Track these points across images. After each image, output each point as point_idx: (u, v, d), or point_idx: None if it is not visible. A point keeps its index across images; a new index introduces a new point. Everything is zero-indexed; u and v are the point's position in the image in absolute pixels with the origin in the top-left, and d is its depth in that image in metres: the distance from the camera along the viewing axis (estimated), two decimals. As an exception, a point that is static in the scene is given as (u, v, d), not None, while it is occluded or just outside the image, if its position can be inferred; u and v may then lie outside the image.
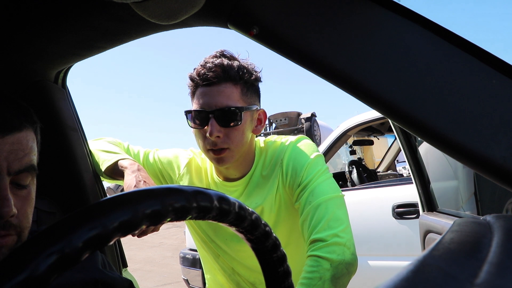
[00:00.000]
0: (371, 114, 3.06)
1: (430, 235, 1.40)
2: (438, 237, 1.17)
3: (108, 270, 0.73)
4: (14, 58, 0.90)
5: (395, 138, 4.23)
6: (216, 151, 0.95)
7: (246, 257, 1.05)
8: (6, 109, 0.57)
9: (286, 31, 0.56)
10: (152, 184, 0.93)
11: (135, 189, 0.40)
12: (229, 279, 1.12)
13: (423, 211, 1.59)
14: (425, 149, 1.62)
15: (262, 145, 1.07)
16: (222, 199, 0.43)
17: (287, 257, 0.54)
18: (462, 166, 1.49)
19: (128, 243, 6.79)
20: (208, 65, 0.94)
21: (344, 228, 0.88)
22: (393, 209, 2.57)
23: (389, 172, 5.00)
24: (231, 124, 0.93)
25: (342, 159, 6.71)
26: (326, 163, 1.02)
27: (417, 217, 1.99)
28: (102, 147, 1.09)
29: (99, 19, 0.75)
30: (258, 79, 1.00)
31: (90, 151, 1.09)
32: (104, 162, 1.03)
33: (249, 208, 0.48)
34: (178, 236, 7.91)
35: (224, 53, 0.98)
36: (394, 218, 2.56)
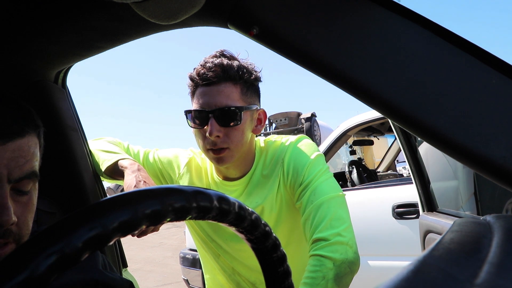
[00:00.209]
0: (371, 114, 3.06)
1: (430, 235, 1.40)
2: (438, 237, 1.17)
3: (108, 271, 0.73)
4: (14, 58, 0.90)
5: (395, 138, 4.23)
6: (216, 151, 0.95)
7: (247, 257, 1.05)
8: (8, 114, 0.55)
9: (286, 31, 0.56)
10: (152, 184, 0.93)
11: (135, 189, 0.40)
12: (229, 279, 1.12)
13: (423, 211, 1.59)
14: (425, 149, 1.62)
15: (262, 144, 1.07)
16: (222, 199, 0.43)
17: (287, 257, 0.54)
18: (462, 166, 1.49)
19: (128, 243, 6.79)
20: (208, 64, 0.94)
21: (346, 227, 0.88)
22: (393, 209, 2.57)
23: (389, 172, 5.00)
24: (231, 123, 0.93)
25: (342, 159, 6.71)
26: (326, 162, 1.02)
27: (417, 217, 1.99)
28: (102, 147, 1.09)
29: (99, 19, 0.75)
30: (258, 79, 1.00)
31: (90, 151, 1.09)
32: (104, 162, 1.03)
33: (249, 208, 0.48)
34: (178, 236, 7.91)
35: (224, 53, 0.98)
36: (394, 218, 2.56)
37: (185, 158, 1.11)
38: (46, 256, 0.29)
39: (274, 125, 7.55)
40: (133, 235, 0.64)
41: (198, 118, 0.95)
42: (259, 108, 1.02)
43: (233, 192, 1.04)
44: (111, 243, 0.34)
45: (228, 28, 0.65)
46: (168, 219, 0.38)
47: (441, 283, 0.23)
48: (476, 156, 0.47)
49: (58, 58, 0.94)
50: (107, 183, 1.26)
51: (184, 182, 1.09)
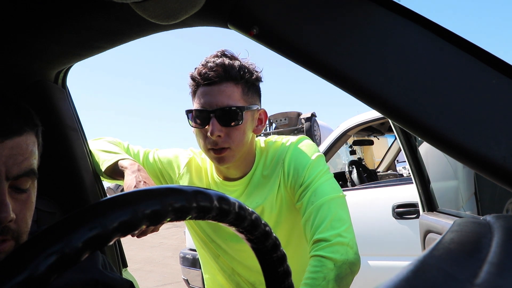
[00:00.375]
0: (371, 114, 3.07)
1: (430, 235, 1.40)
2: (438, 237, 1.17)
3: (108, 271, 0.73)
4: (14, 58, 0.90)
5: (395, 138, 4.23)
6: (217, 151, 0.95)
7: (246, 257, 1.05)
8: (6, 112, 0.55)
9: (286, 31, 0.56)
10: (152, 184, 0.93)
11: (135, 189, 0.40)
12: (229, 280, 1.12)
13: (423, 211, 1.59)
14: (425, 149, 1.62)
15: (262, 145, 1.07)
16: (222, 199, 0.43)
17: (287, 257, 0.54)
18: (462, 166, 1.49)
19: (128, 243, 6.79)
20: (209, 64, 0.94)
21: (347, 228, 0.88)
22: (393, 209, 2.57)
23: (389, 172, 5.00)
24: (232, 123, 0.93)
25: (342, 159, 6.71)
26: (326, 163, 1.02)
27: (417, 217, 1.99)
28: (102, 147, 1.09)
29: (99, 19, 0.75)
30: (259, 79, 1.00)
31: (90, 151, 1.09)
32: (104, 162, 1.03)
33: (249, 208, 0.48)
34: (178, 236, 7.91)
35: (225, 52, 0.98)
36: (394, 218, 2.56)
37: (185, 158, 1.11)
38: (46, 256, 0.29)
39: (274, 125, 7.55)
40: (133, 235, 0.64)
41: (199, 117, 0.95)
42: (260, 108, 1.02)
43: (233, 192, 1.04)
44: (111, 243, 0.34)
45: (228, 28, 0.65)
46: (168, 219, 0.38)
47: (441, 283, 0.23)
48: (476, 156, 0.47)
49: (58, 58, 0.94)
50: (107, 183, 1.26)
51: (184, 182, 1.09)
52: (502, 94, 0.48)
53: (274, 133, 7.17)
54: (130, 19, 0.75)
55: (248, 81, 0.96)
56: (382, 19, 0.53)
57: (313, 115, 7.15)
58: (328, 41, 0.54)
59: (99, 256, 0.75)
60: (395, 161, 5.36)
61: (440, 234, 1.30)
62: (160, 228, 0.72)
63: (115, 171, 1.00)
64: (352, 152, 5.47)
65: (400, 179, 3.67)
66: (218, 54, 0.98)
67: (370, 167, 5.36)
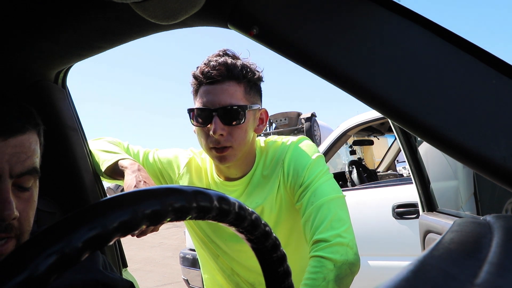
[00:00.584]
0: (371, 114, 3.06)
1: (430, 235, 1.40)
2: (438, 237, 1.17)
3: (109, 271, 0.73)
4: (14, 59, 0.90)
5: (395, 138, 4.23)
6: (219, 150, 0.95)
7: (246, 257, 1.05)
8: (9, 111, 0.56)
9: (286, 31, 0.56)
10: (152, 184, 0.93)
11: (135, 189, 0.40)
12: (229, 280, 1.12)
13: (423, 211, 1.59)
14: (425, 149, 1.62)
15: (262, 144, 1.07)
16: (222, 199, 0.43)
17: (287, 257, 0.54)
18: (462, 166, 1.49)
19: (128, 243, 6.79)
20: (212, 63, 0.94)
21: (347, 228, 0.88)
22: (393, 209, 2.57)
23: (389, 172, 5.00)
24: (234, 122, 0.93)
25: (342, 159, 6.71)
26: (326, 163, 1.02)
27: (417, 217, 1.99)
28: (102, 147, 1.09)
29: (99, 19, 0.75)
30: (260, 79, 1.01)
31: (90, 151, 1.09)
32: (104, 162, 1.03)
33: (249, 208, 0.48)
34: (178, 236, 7.91)
35: (227, 52, 0.98)
36: (394, 218, 2.56)
37: (185, 158, 1.11)
38: (46, 256, 0.29)
39: (274, 125, 7.55)
40: (133, 235, 0.64)
41: (201, 116, 0.95)
42: (261, 107, 1.02)
43: (233, 192, 1.04)
44: (111, 243, 0.34)
45: (228, 28, 0.65)
46: (168, 219, 0.38)
47: (441, 283, 0.23)
48: (476, 156, 0.47)
49: (58, 58, 0.94)
50: (107, 183, 1.26)
51: (184, 182, 1.09)
52: (502, 94, 0.48)
53: (274, 133, 7.17)
54: (130, 19, 0.75)
55: (250, 80, 0.96)
56: (382, 19, 0.53)
57: (313, 115, 7.15)
58: (328, 41, 0.54)
59: (99, 256, 0.75)
60: (395, 161, 5.36)
61: (440, 234, 1.30)
62: (160, 228, 0.72)
63: (115, 171, 1.00)
64: (352, 152, 5.47)
65: (400, 179, 3.67)
66: (220, 53, 0.98)
67: (370, 167, 5.36)
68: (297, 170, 0.97)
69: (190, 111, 0.97)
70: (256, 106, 0.99)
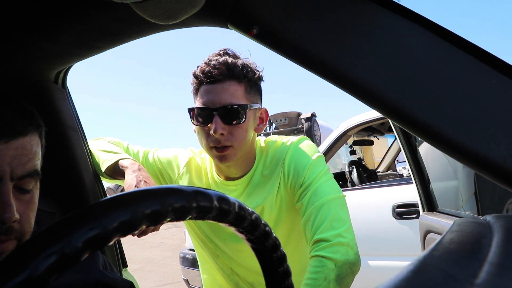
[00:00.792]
0: (371, 114, 3.07)
1: (430, 235, 1.40)
2: (438, 237, 1.17)
3: (109, 271, 0.73)
4: (14, 58, 0.90)
5: (395, 138, 4.23)
6: (219, 149, 0.95)
7: (245, 257, 1.05)
8: (11, 113, 0.56)
9: (286, 31, 0.56)
10: (153, 184, 0.93)
11: (135, 189, 0.40)
12: (228, 279, 1.12)
13: (423, 211, 1.59)
14: (425, 149, 1.62)
15: (262, 144, 1.07)
16: (222, 199, 0.43)
17: (287, 257, 0.54)
18: (462, 166, 1.49)
19: (128, 243, 6.79)
20: (212, 63, 0.94)
21: (347, 228, 0.88)
22: (393, 209, 2.57)
23: (389, 172, 5.00)
24: (235, 122, 0.93)
25: (342, 159, 6.71)
26: (326, 163, 1.02)
27: (417, 217, 1.99)
28: (102, 147, 1.09)
29: (99, 19, 0.75)
30: (260, 78, 1.01)
31: (90, 151, 1.09)
32: (104, 162, 1.03)
33: (249, 208, 0.48)
34: (178, 236, 7.91)
35: (228, 51, 0.98)
36: (394, 218, 2.56)
37: (185, 158, 1.11)
38: (46, 256, 0.29)
39: (274, 125, 7.55)
40: (133, 235, 0.64)
41: (202, 115, 0.95)
42: (261, 107, 1.02)
43: (233, 192, 1.04)
44: (111, 243, 0.34)
45: (228, 28, 0.65)
46: (168, 219, 0.38)
47: (441, 283, 0.23)
48: (476, 156, 0.47)
49: (58, 58, 0.94)
50: (107, 183, 1.26)
51: (183, 182, 1.09)
52: (502, 94, 0.48)
53: (274, 133, 7.17)
54: (130, 19, 0.75)
55: (250, 79, 0.97)
56: (382, 20, 0.53)
57: (313, 115, 7.14)
58: (328, 41, 0.54)
59: (100, 256, 0.75)
60: (395, 161, 5.36)
61: (440, 234, 1.30)
62: (160, 228, 0.72)
63: (116, 171, 1.00)
64: (352, 152, 5.47)
65: (400, 179, 3.67)
66: (221, 52, 0.98)
67: (370, 167, 5.36)
68: (298, 170, 0.97)
69: (191, 110, 0.97)
70: (256, 106, 0.99)
